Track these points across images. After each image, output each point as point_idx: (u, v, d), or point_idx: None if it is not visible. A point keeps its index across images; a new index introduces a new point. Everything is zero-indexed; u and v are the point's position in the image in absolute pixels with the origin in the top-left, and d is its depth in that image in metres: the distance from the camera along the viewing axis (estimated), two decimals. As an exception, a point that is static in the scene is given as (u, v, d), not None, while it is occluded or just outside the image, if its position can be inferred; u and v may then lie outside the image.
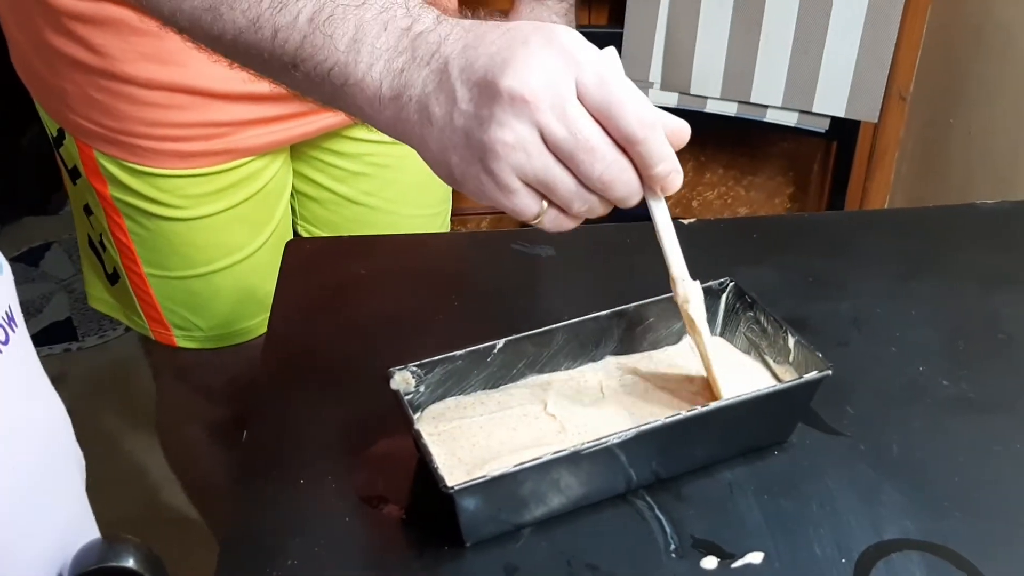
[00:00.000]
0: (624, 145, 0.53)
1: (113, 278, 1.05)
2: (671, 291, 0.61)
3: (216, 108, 0.93)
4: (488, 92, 0.51)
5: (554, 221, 0.55)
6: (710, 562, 0.58)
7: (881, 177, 1.97)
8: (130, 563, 0.48)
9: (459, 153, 0.53)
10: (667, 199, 0.57)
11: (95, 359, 2.12)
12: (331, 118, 1.01)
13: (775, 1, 1.43)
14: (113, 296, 1.07)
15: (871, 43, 1.43)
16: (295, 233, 1.12)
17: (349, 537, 0.61)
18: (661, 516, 0.61)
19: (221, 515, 1.35)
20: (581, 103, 0.52)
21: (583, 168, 0.52)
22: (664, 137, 0.53)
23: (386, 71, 0.54)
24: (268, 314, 1.07)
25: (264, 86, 0.96)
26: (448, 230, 1.22)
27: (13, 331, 0.46)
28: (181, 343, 1.05)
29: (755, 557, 0.58)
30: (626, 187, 0.54)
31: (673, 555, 0.58)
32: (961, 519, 0.61)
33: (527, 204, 0.54)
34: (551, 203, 0.54)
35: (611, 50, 0.54)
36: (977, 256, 0.88)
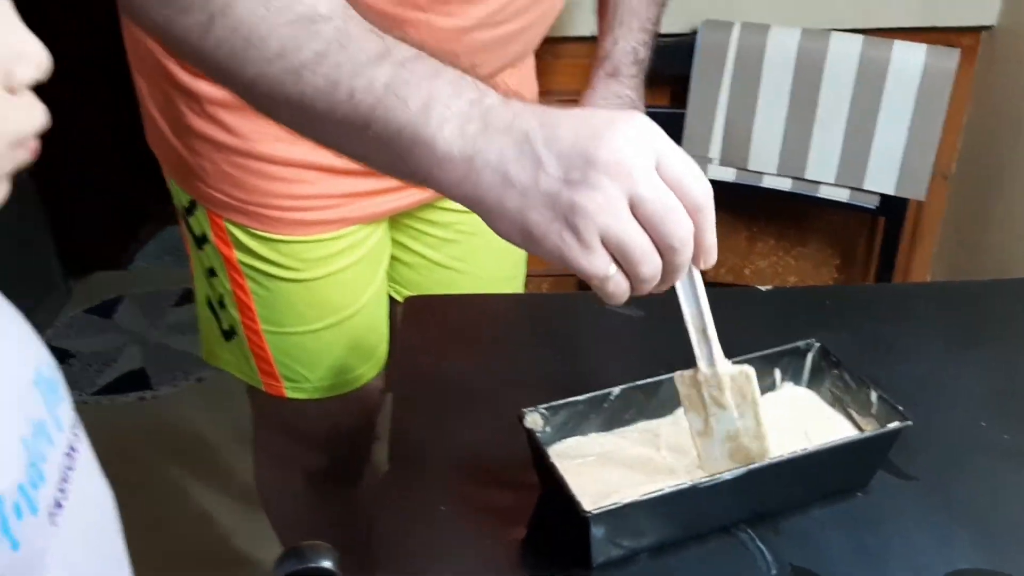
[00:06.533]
0: (691, 212, 0.58)
1: (228, 335, 1.15)
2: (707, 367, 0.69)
3: (333, 182, 1.03)
4: (582, 159, 0.56)
5: (618, 286, 0.59)
6: (808, 587, 0.66)
7: (923, 252, 2.05)
8: (327, 564, 0.57)
9: (541, 212, 0.57)
10: (711, 272, 0.65)
11: (168, 407, 2.22)
12: (427, 192, 1.11)
13: (830, 88, 1.53)
14: (228, 352, 1.17)
15: (920, 127, 1.52)
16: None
17: (486, 561, 0.69)
18: (762, 546, 0.69)
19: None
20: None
21: (668, 229, 0.57)
22: None
23: (457, 134, 0.58)
24: (367, 366, 1.17)
25: None
26: (523, 291, 1.32)
27: (76, 436, 0.49)
28: (290, 394, 1.15)
29: (847, 583, 0.66)
30: (689, 254, 0.59)
31: (775, 580, 0.67)
32: (1021, 554, 0.69)
33: (602, 264, 0.58)
34: (619, 267, 0.59)
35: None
36: (1027, 326, 0.97)
